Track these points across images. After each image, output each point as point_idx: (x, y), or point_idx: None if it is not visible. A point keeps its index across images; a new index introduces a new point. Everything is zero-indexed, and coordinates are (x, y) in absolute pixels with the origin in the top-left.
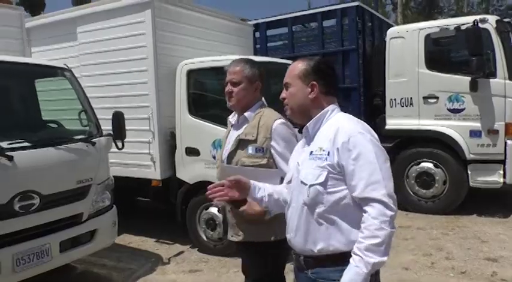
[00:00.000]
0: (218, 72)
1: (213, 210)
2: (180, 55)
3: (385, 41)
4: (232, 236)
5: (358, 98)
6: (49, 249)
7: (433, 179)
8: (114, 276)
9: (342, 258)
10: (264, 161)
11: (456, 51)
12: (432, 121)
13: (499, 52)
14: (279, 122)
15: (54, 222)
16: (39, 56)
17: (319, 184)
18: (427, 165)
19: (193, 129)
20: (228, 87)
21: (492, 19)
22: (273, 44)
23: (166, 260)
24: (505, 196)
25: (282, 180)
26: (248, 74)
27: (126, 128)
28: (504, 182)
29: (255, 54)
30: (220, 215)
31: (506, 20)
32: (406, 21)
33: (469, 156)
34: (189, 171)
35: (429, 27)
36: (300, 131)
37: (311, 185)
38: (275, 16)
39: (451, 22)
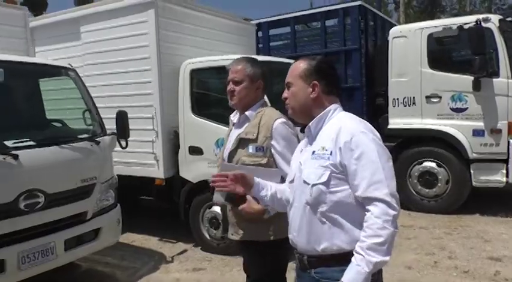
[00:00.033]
0: (221, 71)
1: (216, 209)
2: (183, 54)
3: (387, 41)
4: (232, 234)
5: (360, 97)
6: (54, 247)
7: (435, 178)
8: (117, 275)
9: (346, 258)
10: (264, 160)
11: (459, 50)
12: (435, 120)
13: (502, 51)
14: (279, 121)
15: (58, 221)
16: (43, 55)
17: (322, 183)
18: (429, 164)
19: (197, 128)
20: (230, 86)
21: (495, 18)
22: (276, 43)
23: (170, 259)
24: (508, 195)
25: (282, 179)
26: (250, 73)
27: (130, 127)
28: (507, 181)
29: (258, 53)
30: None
31: (509, 19)
32: (408, 20)
33: (472, 155)
34: (192, 170)
35: (432, 27)
36: (302, 131)
37: (314, 185)
38: (277, 16)
39: (453, 21)
